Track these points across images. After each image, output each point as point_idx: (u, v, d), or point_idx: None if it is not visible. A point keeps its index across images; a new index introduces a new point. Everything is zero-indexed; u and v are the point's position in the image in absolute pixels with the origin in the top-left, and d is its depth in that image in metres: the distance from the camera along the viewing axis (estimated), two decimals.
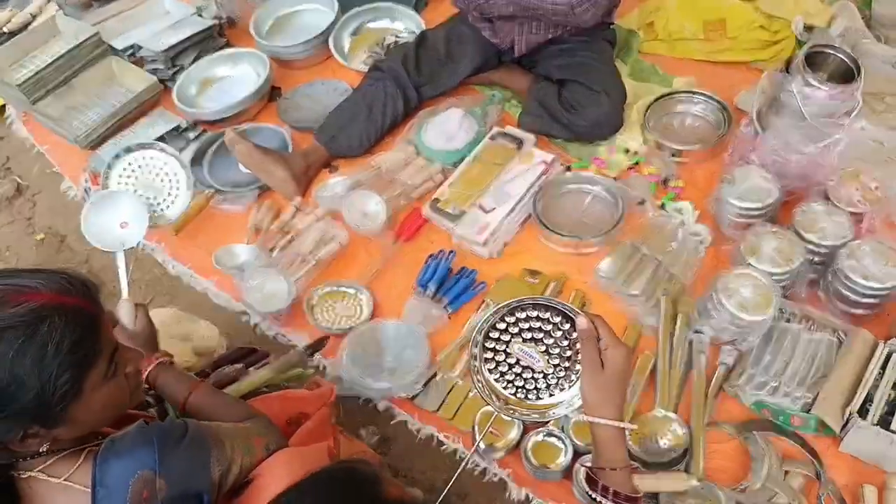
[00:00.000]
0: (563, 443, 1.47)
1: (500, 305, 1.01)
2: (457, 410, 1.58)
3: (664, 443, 1.45)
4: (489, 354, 1.04)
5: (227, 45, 2.46)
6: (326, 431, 1.30)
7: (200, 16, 2.45)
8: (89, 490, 0.90)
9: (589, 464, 1.03)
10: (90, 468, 0.91)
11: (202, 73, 2.36)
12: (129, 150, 1.64)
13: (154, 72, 2.34)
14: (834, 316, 1.58)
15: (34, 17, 2.62)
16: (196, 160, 2.10)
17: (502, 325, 1.02)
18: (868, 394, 1.41)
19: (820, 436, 1.45)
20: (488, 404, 1.05)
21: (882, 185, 1.65)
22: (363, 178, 2.00)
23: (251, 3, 2.53)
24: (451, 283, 1.78)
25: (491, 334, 1.03)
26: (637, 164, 1.97)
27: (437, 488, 1.47)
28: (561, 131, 2.02)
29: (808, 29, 2.11)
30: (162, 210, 1.65)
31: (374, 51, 2.38)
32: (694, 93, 2.07)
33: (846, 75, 1.69)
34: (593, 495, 0.99)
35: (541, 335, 1.02)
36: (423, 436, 1.58)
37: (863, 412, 1.38)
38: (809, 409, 1.44)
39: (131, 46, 2.39)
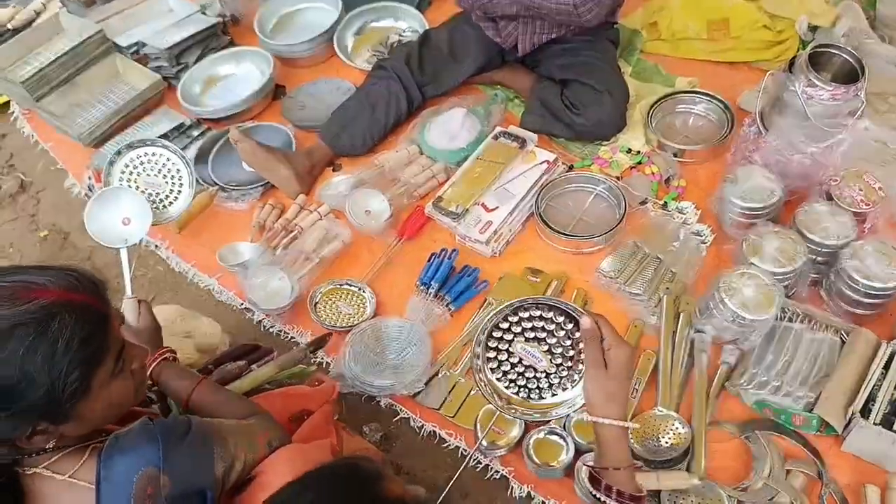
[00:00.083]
0: (565, 441, 1.47)
1: (503, 305, 1.01)
2: (459, 408, 1.59)
3: (666, 441, 1.45)
4: (492, 354, 1.04)
5: (231, 43, 2.46)
6: (329, 428, 1.31)
7: (204, 13, 2.45)
8: (93, 486, 0.91)
9: (592, 463, 1.03)
10: (94, 465, 0.91)
11: (206, 72, 2.36)
12: (131, 146, 1.64)
13: (158, 69, 2.34)
14: (836, 316, 1.58)
15: (38, 14, 2.63)
16: (200, 158, 2.11)
17: (505, 325, 1.02)
18: (870, 393, 1.41)
19: (822, 435, 1.45)
20: (490, 403, 1.06)
21: (885, 185, 1.65)
22: (366, 177, 2.00)
23: (255, 1, 2.53)
24: (453, 281, 1.78)
25: (494, 334, 1.03)
26: (639, 163, 1.97)
27: (439, 486, 1.48)
28: (563, 131, 2.02)
29: (812, 29, 2.11)
30: (164, 207, 1.65)
31: (378, 50, 2.39)
32: (697, 92, 2.07)
33: (850, 75, 1.69)
34: (597, 495, 0.99)
35: (543, 335, 1.02)
36: (425, 433, 1.59)
37: (865, 412, 1.39)
38: (811, 409, 1.44)
39: (135, 44, 2.39)
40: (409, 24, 2.47)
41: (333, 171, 2.10)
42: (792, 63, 1.71)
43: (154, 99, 2.30)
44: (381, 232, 1.91)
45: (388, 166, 2.02)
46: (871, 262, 1.51)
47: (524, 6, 1.88)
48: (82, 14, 2.45)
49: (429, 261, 1.84)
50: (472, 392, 1.61)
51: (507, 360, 1.04)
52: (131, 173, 1.64)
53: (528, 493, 1.48)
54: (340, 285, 1.82)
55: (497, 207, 1.87)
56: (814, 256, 1.60)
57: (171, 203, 1.66)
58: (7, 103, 2.49)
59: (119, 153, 1.63)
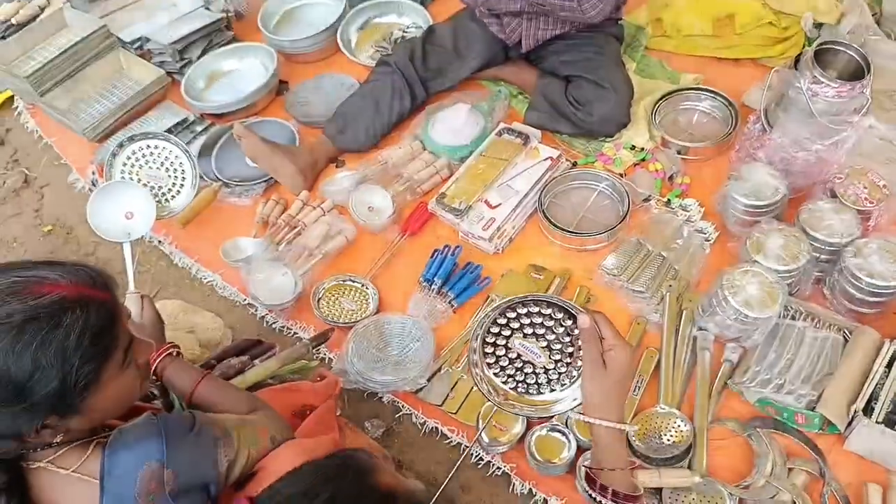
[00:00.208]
0: (567, 438, 1.47)
1: (500, 301, 1.01)
2: (461, 405, 1.59)
3: (668, 439, 1.45)
4: (489, 349, 1.03)
5: (235, 38, 2.46)
6: (332, 424, 1.31)
7: (208, 9, 2.45)
8: (97, 481, 0.91)
9: (588, 464, 1.03)
10: (98, 459, 0.92)
11: (210, 67, 2.37)
12: (132, 138, 1.64)
13: (161, 65, 2.35)
14: (839, 314, 1.58)
15: (42, 9, 2.62)
16: (203, 153, 2.11)
17: (503, 321, 1.02)
18: (873, 392, 1.40)
19: (824, 434, 1.45)
20: (486, 398, 1.04)
21: (890, 183, 1.65)
22: (370, 173, 2.00)
23: None
24: (456, 277, 1.78)
25: (492, 329, 1.02)
26: (643, 160, 1.97)
27: (440, 482, 1.48)
28: (567, 127, 2.02)
29: (818, 26, 2.10)
30: (167, 200, 1.65)
31: (382, 45, 2.39)
32: (701, 89, 2.06)
33: (856, 73, 1.68)
34: (593, 495, 0.98)
35: (542, 331, 1.01)
36: (427, 429, 1.59)
37: (868, 410, 1.38)
38: (814, 407, 1.44)
39: (139, 39, 2.39)
40: (412, 20, 2.46)
41: (337, 167, 2.10)
42: (797, 60, 1.70)
43: (158, 94, 2.30)
44: (384, 228, 1.91)
45: (392, 162, 2.02)
46: (874, 260, 1.51)
47: (528, 2, 1.88)
48: (86, 9, 2.45)
49: (432, 257, 1.84)
50: (474, 388, 1.60)
51: (504, 355, 1.03)
52: (133, 166, 1.64)
53: (530, 489, 1.48)
54: (343, 281, 1.82)
55: (500, 204, 1.87)
56: (817, 254, 1.59)
57: (173, 197, 1.66)
58: (11, 98, 2.50)
59: (121, 145, 1.63)
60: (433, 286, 1.76)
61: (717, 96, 2.04)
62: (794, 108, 1.68)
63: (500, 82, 2.21)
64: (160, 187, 1.64)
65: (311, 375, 1.45)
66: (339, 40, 2.38)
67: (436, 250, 1.85)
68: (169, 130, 2.15)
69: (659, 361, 1.58)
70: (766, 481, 1.39)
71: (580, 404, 1.00)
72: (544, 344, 1.01)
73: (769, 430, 1.47)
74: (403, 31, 2.42)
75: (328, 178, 2.04)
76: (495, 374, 1.04)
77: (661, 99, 2.05)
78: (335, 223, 1.91)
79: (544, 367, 1.02)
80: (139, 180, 1.62)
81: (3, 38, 2.46)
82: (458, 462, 1.35)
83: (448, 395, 1.60)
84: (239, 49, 2.40)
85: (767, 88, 1.80)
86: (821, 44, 1.71)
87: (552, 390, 1.02)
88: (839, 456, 1.43)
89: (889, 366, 1.44)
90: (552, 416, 1.43)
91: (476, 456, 1.53)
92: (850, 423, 1.41)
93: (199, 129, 2.22)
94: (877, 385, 1.42)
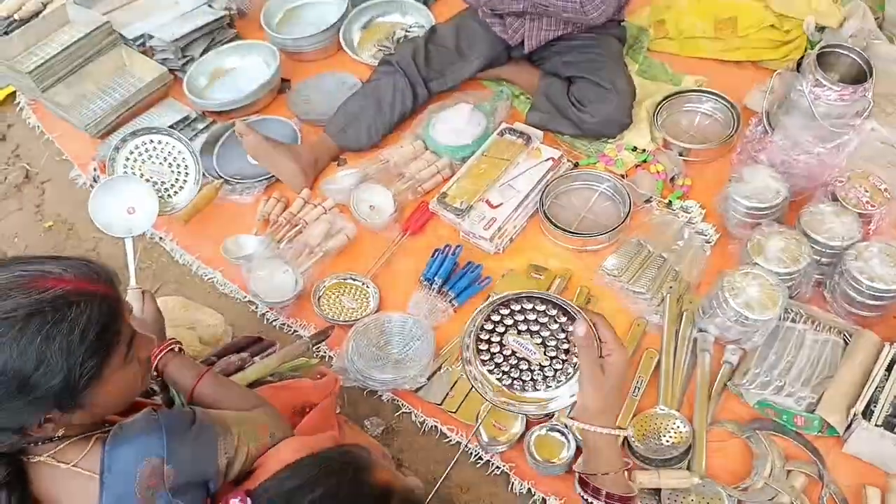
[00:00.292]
0: (566, 438, 1.47)
1: (494, 297, 1.00)
2: (461, 404, 1.59)
3: (667, 440, 1.46)
4: (483, 346, 1.02)
5: (237, 36, 2.46)
6: (331, 421, 1.31)
7: (211, 6, 2.45)
8: (97, 476, 0.91)
9: (581, 468, 1.00)
10: (98, 454, 0.92)
11: (212, 64, 2.37)
12: (135, 133, 1.64)
13: (164, 62, 2.35)
14: (839, 317, 1.58)
15: (44, 5, 2.62)
16: (205, 151, 2.11)
17: (496, 318, 1.01)
18: (873, 395, 1.41)
19: (823, 436, 1.45)
20: (481, 395, 1.01)
21: (891, 187, 1.65)
22: (371, 172, 2.00)
23: None
24: (456, 277, 1.78)
25: (485, 326, 1.01)
26: (644, 161, 1.97)
27: (439, 480, 1.48)
28: (569, 128, 2.02)
29: (820, 29, 2.10)
30: (169, 196, 1.65)
31: (384, 45, 2.39)
32: (703, 91, 2.07)
33: (858, 76, 1.68)
34: (587, 498, 0.97)
35: (537, 327, 0.99)
36: (427, 428, 1.59)
37: (867, 414, 1.38)
38: (813, 410, 1.44)
39: (141, 36, 2.39)
40: (415, 20, 2.47)
41: (338, 165, 2.10)
42: (800, 63, 1.70)
43: (160, 91, 2.30)
44: (385, 227, 1.91)
45: (393, 161, 2.02)
46: (875, 263, 1.51)
47: (531, 3, 1.88)
48: (89, 6, 2.45)
49: (432, 256, 1.84)
50: (474, 389, 1.60)
51: (499, 352, 1.02)
52: (136, 160, 1.63)
53: (529, 489, 1.48)
54: (344, 279, 1.83)
55: (501, 204, 1.87)
56: (818, 257, 1.59)
57: (175, 193, 1.66)
58: (13, 94, 2.50)
59: (124, 140, 1.62)
60: (434, 285, 1.76)
61: (718, 98, 2.04)
62: (796, 111, 1.68)
63: (502, 82, 2.21)
64: (163, 183, 1.63)
65: (311, 373, 1.45)
66: (341, 39, 2.38)
67: (436, 250, 1.85)
68: (171, 128, 2.14)
69: (659, 362, 1.58)
70: (764, 483, 1.39)
71: (572, 404, 0.97)
72: (539, 341, 0.98)
73: (768, 432, 1.47)
74: (406, 31, 2.42)
75: (329, 176, 2.04)
76: (489, 370, 1.03)
77: (662, 100, 2.05)
78: (336, 221, 1.91)
79: (539, 364, 0.99)
80: (142, 175, 1.62)
81: (6, 33, 2.47)
82: (455, 458, 1.34)
83: (448, 394, 1.60)
84: (241, 47, 2.40)
85: (769, 91, 1.80)
86: (823, 47, 1.72)
87: (548, 387, 1.00)
88: (838, 458, 1.44)
89: (889, 369, 1.44)
90: (549, 415, 1.43)
91: (475, 455, 1.53)
92: (849, 426, 1.41)
93: (200, 126, 2.22)
94: (876, 388, 1.42)
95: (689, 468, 1.43)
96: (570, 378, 0.98)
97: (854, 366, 1.46)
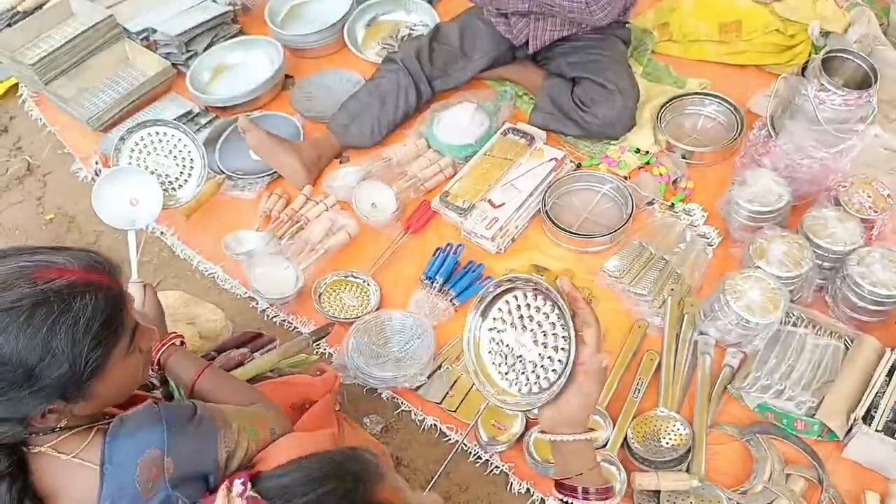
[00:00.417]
0: None
1: (502, 279, 0.96)
2: (460, 402, 1.59)
3: (667, 442, 1.45)
4: (486, 340, 1.00)
5: (241, 32, 2.46)
6: (331, 418, 1.31)
7: (215, 1, 2.45)
8: (97, 467, 0.91)
9: (556, 475, 0.98)
10: (99, 446, 0.92)
11: (215, 60, 2.36)
12: (143, 124, 1.63)
13: (167, 56, 2.34)
14: (841, 321, 1.58)
15: None
16: (207, 146, 2.10)
17: (497, 314, 0.99)
18: (873, 400, 1.40)
19: (823, 441, 1.45)
20: (478, 389, 0.99)
21: (894, 193, 1.65)
22: (374, 169, 2.00)
23: None
24: (457, 276, 1.78)
25: (491, 315, 0.99)
26: (647, 163, 1.97)
27: (438, 480, 1.48)
28: (572, 129, 2.02)
29: (825, 34, 2.10)
30: (174, 190, 1.64)
31: (388, 42, 2.39)
32: (707, 94, 2.07)
33: (862, 81, 1.68)
34: (566, 499, 0.96)
35: (532, 323, 0.96)
36: (426, 427, 1.59)
37: (867, 419, 1.38)
38: (813, 414, 1.44)
39: (145, 30, 2.39)
40: (419, 18, 2.46)
41: (341, 162, 2.09)
42: (804, 67, 1.70)
43: (163, 85, 2.30)
44: (387, 225, 1.90)
45: (396, 159, 2.02)
46: (877, 268, 1.51)
47: (537, 3, 1.88)
48: None
49: (434, 255, 1.84)
50: (474, 387, 1.60)
51: (499, 350, 0.99)
52: (140, 152, 1.62)
53: (528, 488, 1.48)
54: (345, 277, 1.82)
55: (504, 204, 1.87)
56: (820, 262, 1.59)
57: (180, 186, 1.65)
58: (16, 86, 2.49)
59: (130, 131, 1.61)
60: (435, 284, 1.75)
61: (722, 102, 2.04)
62: (801, 116, 1.68)
63: (505, 82, 2.21)
64: (167, 176, 1.62)
65: (310, 370, 1.45)
66: (345, 36, 2.38)
67: (438, 248, 1.85)
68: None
69: (659, 365, 1.58)
70: (764, 486, 1.39)
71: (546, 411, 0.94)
72: (533, 338, 0.95)
73: (768, 436, 1.47)
74: (410, 29, 2.42)
75: (332, 173, 2.04)
76: (492, 362, 1.00)
77: (666, 103, 2.05)
78: (338, 219, 1.91)
79: (533, 363, 0.96)
80: (146, 168, 1.61)
81: (9, 25, 2.47)
82: (451, 455, 1.34)
83: (447, 393, 1.60)
84: (245, 42, 2.40)
85: (774, 95, 1.80)
86: (828, 52, 1.71)
87: (542, 387, 0.95)
88: (838, 463, 1.44)
89: (890, 374, 1.44)
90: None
91: (474, 454, 1.53)
92: (849, 431, 1.41)
93: (203, 121, 2.22)
94: (877, 393, 1.42)
95: (688, 470, 1.43)
96: (560, 378, 0.92)
97: (855, 371, 1.46)
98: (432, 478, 1.51)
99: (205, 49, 2.36)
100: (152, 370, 1.23)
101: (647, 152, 1.98)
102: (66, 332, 0.84)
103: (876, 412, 1.39)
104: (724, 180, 1.86)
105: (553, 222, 1.82)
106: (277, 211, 1.95)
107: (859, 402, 1.41)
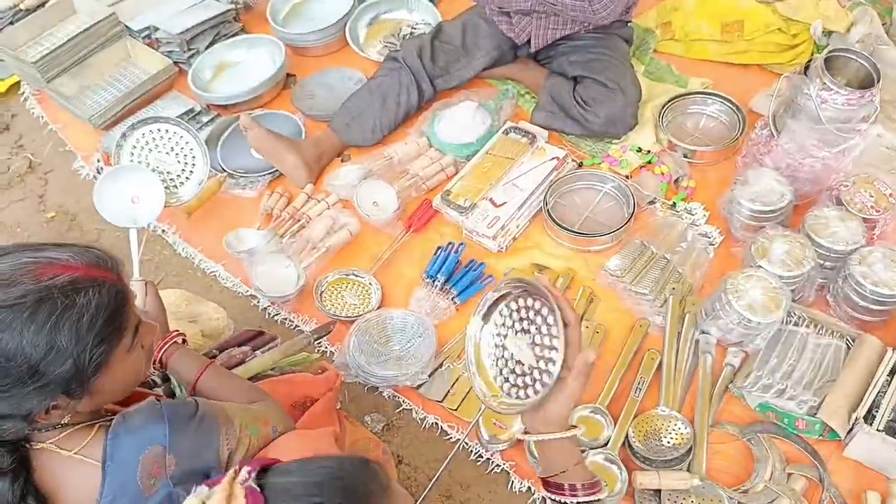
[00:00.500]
0: None
1: (513, 282, 0.95)
2: (462, 401, 1.59)
3: (668, 441, 1.45)
4: (490, 344, 0.99)
5: (243, 30, 2.46)
6: (332, 416, 1.31)
7: (217, 0, 2.45)
8: (99, 464, 0.91)
9: (542, 474, 0.98)
10: (101, 442, 0.92)
11: (217, 58, 2.36)
12: (145, 121, 1.63)
13: (169, 54, 2.34)
14: (842, 321, 1.58)
15: None
16: (209, 144, 2.09)
17: (500, 319, 0.98)
18: (874, 400, 1.41)
19: (824, 440, 1.45)
20: (483, 402, 0.98)
21: (895, 193, 1.65)
22: (375, 168, 2.00)
23: None
24: (459, 275, 1.78)
25: (493, 320, 0.99)
26: (649, 163, 1.97)
27: (440, 478, 1.48)
28: (574, 128, 2.01)
29: (827, 34, 2.10)
30: (175, 187, 1.64)
31: (390, 41, 2.39)
32: (709, 94, 2.06)
33: (864, 81, 1.68)
34: (554, 497, 0.95)
35: (530, 326, 0.95)
36: (427, 425, 1.59)
37: (869, 418, 1.38)
38: (815, 413, 1.44)
39: (147, 28, 2.39)
40: (421, 17, 2.46)
41: (342, 161, 2.09)
42: (807, 66, 1.70)
43: (164, 83, 2.30)
44: (388, 223, 1.90)
45: (397, 158, 2.02)
46: (879, 268, 1.51)
47: (539, 1, 1.88)
48: None
49: (435, 254, 1.84)
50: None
51: (502, 355, 0.98)
52: (142, 149, 1.62)
53: (528, 487, 1.48)
54: (346, 275, 1.82)
55: (505, 203, 1.87)
56: (822, 261, 1.59)
57: (181, 184, 1.65)
58: (17, 84, 2.49)
59: (132, 127, 1.61)
60: (436, 283, 1.75)
61: (724, 101, 2.04)
62: (803, 115, 1.68)
63: (507, 81, 2.21)
64: (168, 174, 1.62)
65: (312, 368, 1.45)
66: (347, 35, 2.38)
67: (439, 247, 1.85)
68: None
69: (661, 364, 1.58)
70: (765, 486, 1.39)
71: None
72: (529, 340, 0.94)
73: (769, 435, 1.47)
74: (412, 28, 2.42)
75: (333, 172, 2.04)
76: (491, 364, 0.99)
77: (668, 102, 2.05)
78: (339, 217, 1.91)
79: (529, 366, 0.95)
80: (148, 165, 1.61)
81: (11, 23, 2.47)
82: (452, 454, 1.34)
83: (449, 392, 1.60)
84: (247, 41, 2.40)
85: (776, 94, 1.79)
86: (831, 51, 1.71)
87: (536, 392, 0.93)
88: (839, 463, 1.44)
89: (891, 374, 1.44)
90: None
91: (476, 453, 1.53)
92: (850, 431, 1.41)
93: (205, 119, 2.22)
94: (878, 393, 1.42)
95: (689, 469, 1.43)
96: (551, 379, 0.91)
97: (856, 370, 1.46)
98: (433, 476, 1.51)
99: (207, 47, 2.36)
100: (154, 368, 1.23)
101: (649, 151, 1.98)
102: (69, 328, 0.84)
103: (877, 412, 1.39)
104: (726, 179, 1.86)
105: (554, 221, 1.82)
106: (279, 209, 1.95)
107: (861, 401, 1.41)
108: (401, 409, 1.62)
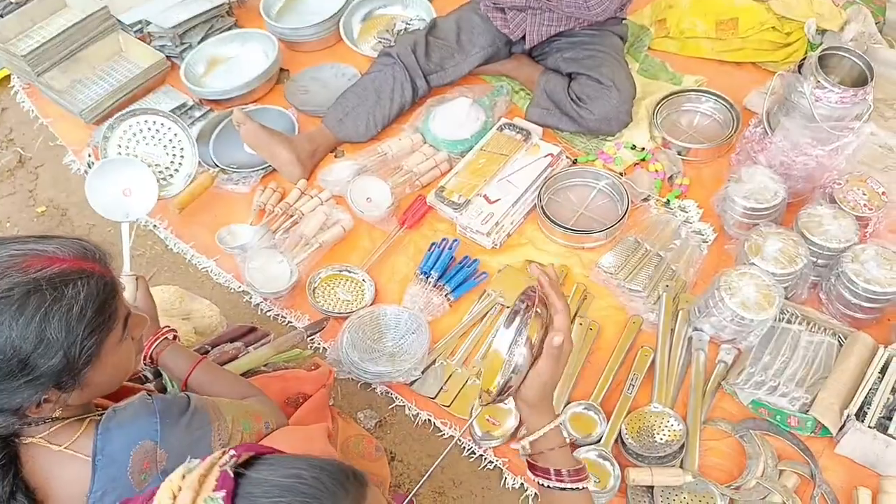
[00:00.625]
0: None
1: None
2: (454, 398, 1.58)
3: (660, 438, 1.46)
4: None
5: (236, 25, 2.45)
6: (325, 413, 1.30)
7: None
8: (89, 458, 0.90)
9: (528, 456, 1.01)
10: (91, 437, 0.91)
11: (210, 52, 2.35)
12: (132, 113, 1.61)
13: (161, 49, 2.33)
14: (835, 318, 1.59)
15: None
16: (201, 139, 2.09)
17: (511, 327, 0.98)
18: (866, 397, 1.41)
19: (816, 437, 1.46)
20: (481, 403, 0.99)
21: (889, 191, 1.66)
22: (369, 164, 1.99)
23: None
24: (453, 271, 1.78)
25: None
26: (643, 160, 1.97)
27: (433, 475, 1.48)
28: (569, 124, 2.01)
29: (821, 32, 2.10)
30: (164, 180, 1.63)
31: (384, 36, 2.38)
32: (703, 91, 2.07)
33: (858, 79, 1.69)
34: (540, 480, 0.97)
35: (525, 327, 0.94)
36: (420, 422, 1.59)
37: (860, 415, 1.39)
38: (807, 410, 1.44)
39: (139, 22, 2.37)
40: (416, 12, 2.46)
41: (336, 156, 2.09)
42: (801, 65, 1.71)
43: (157, 78, 2.28)
44: (382, 219, 1.90)
45: (391, 154, 2.01)
46: (871, 266, 1.51)
47: None
48: None
49: (429, 250, 1.83)
50: (469, 382, 1.60)
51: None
52: (129, 141, 1.60)
53: (521, 484, 1.48)
54: (340, 271, 1.82)
55: (499, 199, 1.86)
56: (815, 259, 1.60)
57: (171, 176, 1.63)
58: (8, 77, 2.47)
59: (120, 118, 1.60)
60: (430, 279, 1.75)
61: (718, 98, 2.04)
62: (797, 113, 1.68)
63: (502, 77, 2.20)
64: (157, 166, 1.61)
65: (305, 364, 1.44)
66: (341, 30, 2.37)
67: (433, 243, 1.85)
68: None
69: (654, 360, 1.58)
70: (757, 482, 1.39)
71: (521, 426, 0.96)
72: (525, 341, 0.93)
73: (762, 432, 1.47)
74: (407, 24, 2.41)
75: (326, 167, 2.03)
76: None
77: (662, 99, 2.05)
78: (333, 213, 1.90)
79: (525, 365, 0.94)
80: (136, 157, 1.59)
81: (2, 16, 2.44)
82: (446, 451, 1.34)
83: (442, 388, 1.60)
84: (240, 35, 2.38)
85: (770, 92, 1.80)
86: (825, 49, 1.72)
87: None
88: (830, 459, 1.44)
89: (883, 371, 1.45)
90: None
91: (469, 450, 1.53)
92: (842, 427, 1.41)
93: (197, 114, 2.21)
94: (870, 390, 1.42)
95: (682, 466, 1.43)
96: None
97: (848, 367, 1.46)
98: (426, 473, 1.51)
99: (199, 42, 2.35)
100: (145, 364, 1.22)
101: (643, 149, 1.98)
102: (59, 320, 0.83)
103: (869, 409, 1.40)
104: (720, 177, 1.86)
105: (549, 218, 1.82)
106: (272, 205, 1.94)
107: (852, 398, 1.41)
108: (394, 405, 1.62)
